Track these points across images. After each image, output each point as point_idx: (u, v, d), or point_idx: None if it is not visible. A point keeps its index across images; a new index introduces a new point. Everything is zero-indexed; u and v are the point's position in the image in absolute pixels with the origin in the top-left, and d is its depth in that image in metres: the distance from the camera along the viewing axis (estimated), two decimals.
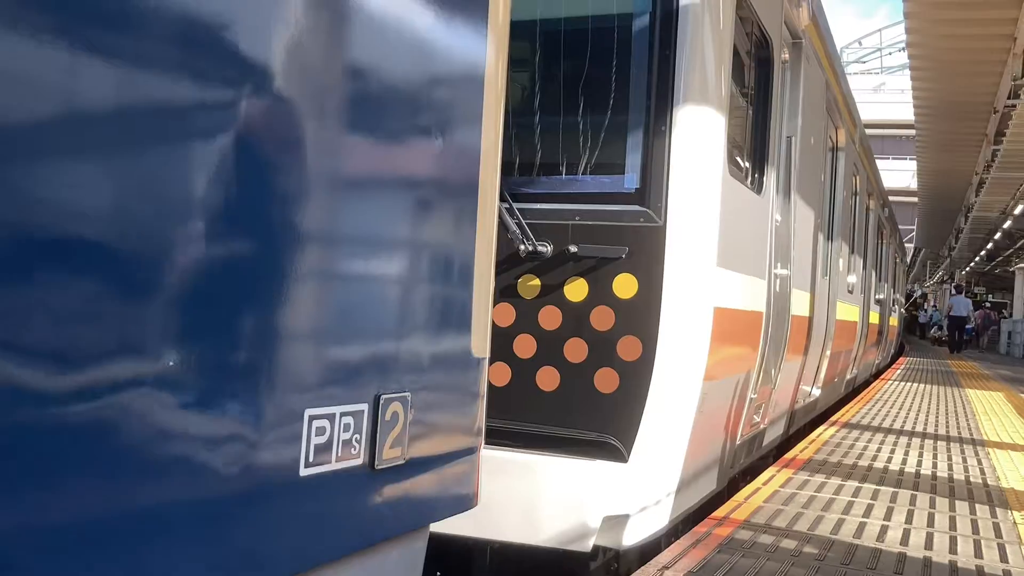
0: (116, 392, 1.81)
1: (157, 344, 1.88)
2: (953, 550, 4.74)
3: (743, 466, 7.16)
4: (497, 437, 4.99)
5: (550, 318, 5.14)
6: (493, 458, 4.75)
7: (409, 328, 2.72)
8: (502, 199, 4.97)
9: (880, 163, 19.63)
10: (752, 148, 6.55)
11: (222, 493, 2.07)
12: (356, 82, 2.47)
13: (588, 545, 5.01)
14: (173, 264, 1.92)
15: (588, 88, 5.31)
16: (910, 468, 7.18)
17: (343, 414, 2.39)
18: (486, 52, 3.03)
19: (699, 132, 5.15)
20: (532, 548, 5.08)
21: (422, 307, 2.80)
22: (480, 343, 3.11)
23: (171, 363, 1.91)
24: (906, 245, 41.67)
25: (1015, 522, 5.50)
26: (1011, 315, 46.14)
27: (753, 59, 6.44)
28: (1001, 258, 45.82)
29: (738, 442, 6.64)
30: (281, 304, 2.20)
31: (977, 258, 47.72)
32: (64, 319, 1.72)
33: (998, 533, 5.19)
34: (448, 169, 2.91)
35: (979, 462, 7.78)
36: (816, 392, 10.28)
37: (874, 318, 17.34)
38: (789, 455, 7.54)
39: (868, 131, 15.51)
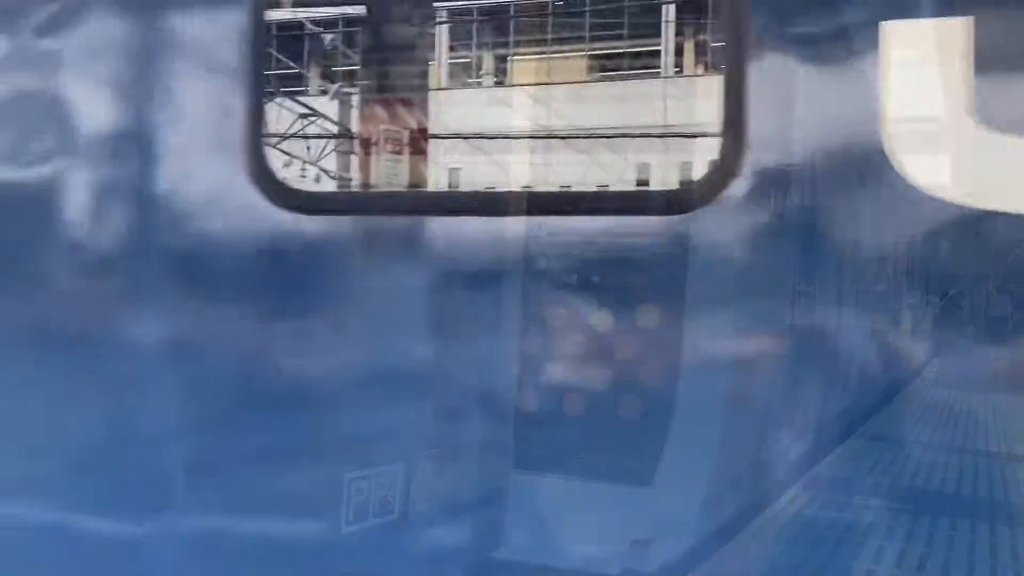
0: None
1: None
2: None
3: None
4: (523, 460, 5.16)
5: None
6: (519, 481, 4.93)
7: (440, 387, 2.91)
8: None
9: None
10: None
11: (280, 550, 2.34)
12: None
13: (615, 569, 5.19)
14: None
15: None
16: None
17: (380, 474, 2.61)
18: None
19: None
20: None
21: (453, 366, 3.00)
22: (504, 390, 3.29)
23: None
24: None
25: None
26: None
27: None
28: None
29: None
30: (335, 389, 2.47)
31: None
32: None
33: None
34: None
35: None
36: None
37: None
38: None
39: None
